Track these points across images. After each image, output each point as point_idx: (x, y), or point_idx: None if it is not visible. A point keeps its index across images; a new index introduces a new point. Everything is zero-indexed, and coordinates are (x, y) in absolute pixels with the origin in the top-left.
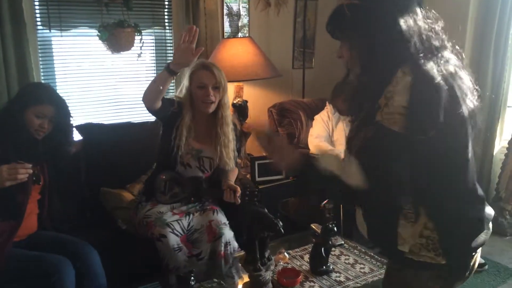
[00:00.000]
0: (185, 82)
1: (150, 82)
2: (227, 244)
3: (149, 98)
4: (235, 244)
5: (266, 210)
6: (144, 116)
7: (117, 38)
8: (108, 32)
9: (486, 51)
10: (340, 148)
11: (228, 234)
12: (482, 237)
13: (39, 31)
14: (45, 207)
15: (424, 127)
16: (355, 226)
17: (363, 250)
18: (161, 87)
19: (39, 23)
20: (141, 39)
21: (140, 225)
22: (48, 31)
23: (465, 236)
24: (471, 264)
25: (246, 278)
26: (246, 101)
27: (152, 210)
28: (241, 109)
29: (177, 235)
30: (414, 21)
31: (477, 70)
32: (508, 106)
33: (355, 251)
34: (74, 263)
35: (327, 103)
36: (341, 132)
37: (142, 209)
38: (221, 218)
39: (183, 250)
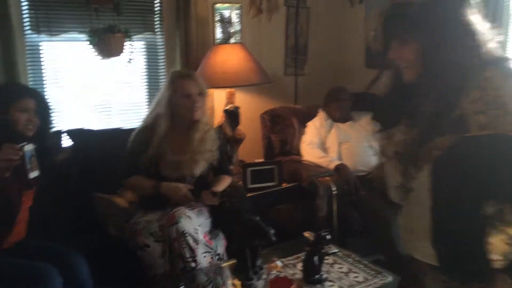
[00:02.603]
0: (164, 93)
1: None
2: (184, 234)
3: None
4: (198, 237)
5: (258, 218)
6: (134, 122)
7: (106, 44)
8: (98, 37)
9: None
10: (332, 154)
11: (188, 226)
12: None
13: (27, 36)
14: (37, 214)
15: None
16: (349, 234)
17: (357, 258)
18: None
19: (27, 28)
20: (131, 44)
21: (130, 232)
22: (36, 35)
23: None
24: None
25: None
26: (238, 107)
27: (141, 218)
28: (233, 115)
29: (160, 242)
30: (477, 18)
31: None
32: None
33: (349, 259)
34: (61, 272)
35: (320, 110)
36: (334, 139)
37: (134, 216)
38: (191, 214)
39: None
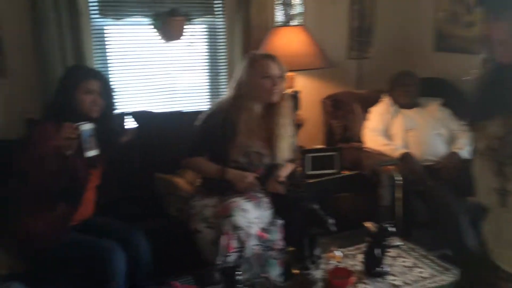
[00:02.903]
0: (242, 74)
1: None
2: (237, 228)
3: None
4: (252, 231)
5: (317, 206)
6: (195, 105)
7: (168, 27)
8: (161, 20)
9: None
10: (397, 142)
11: (241, 220)
12: None
13: (94, 20)
14: (103, 193)
15: None
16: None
17: (423, 252)
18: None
19: (93, 12)
20: (191, 28)
21: (187, 215)
22: (102, 19)
23: None
24: None
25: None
26: (298, 92)
27: (197, 202)
28: (292, 100)
29: (213, 228)
30: None
31: None
32: None
33: (414, 253)
34: (125, 250)
35: (384, 95)
36: (399, 126)
37: (191, 199)
38: (247, 206)
39: None
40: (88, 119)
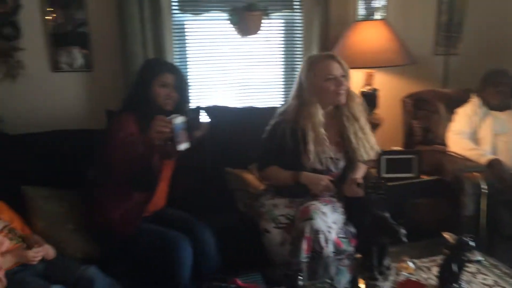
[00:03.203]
0: (303, 80)
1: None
2: (317, 232)
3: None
4: (331, 236)
5: (388, 214)
6: (269, 100)
7: (245, 22)
8: (237, 15)
9: None
10: (485, 147)
11: (321, 224)
12: None
13: (174, 15)
14: (175, 185)
15: None
16: (499, 240)
17: (506, 270)
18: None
19: (174, 7)
20: (268, 22)
21: (256, 212)
22: (182, 15)
23: None
24: None
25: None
26: (376, 90)
27: (268, 201)
28: (370, 98)
29: (282, 228)
30: None
31: None
32: None
33: (496, 270)
34: (191, 242)
35: (473, 95)
36: (488, 129)
37: (262, 197)
38: (326, 210)
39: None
40: (162, 112)
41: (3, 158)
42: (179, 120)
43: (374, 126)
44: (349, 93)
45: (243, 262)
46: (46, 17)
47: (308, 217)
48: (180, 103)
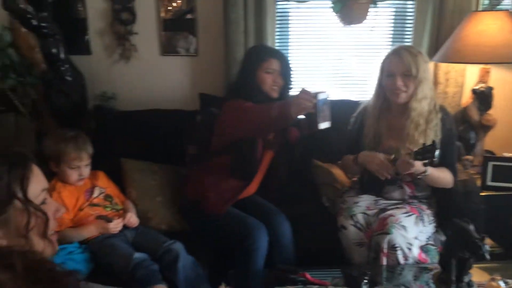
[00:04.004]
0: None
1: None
2: (395, 247)
3: None
4: (411, 254)
5: (472, 226)
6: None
7: (349, 10)
8: (342, 3)
9: None
10: None
11: (400, 239)
12: None
13: (279, 3)
14: (271, 175)
15: None
16: None
17: None
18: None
19: None
20: (376, 11)
21: (338, 208)
22: (286, 2)
23: None
24: None
25: None
26: (492, 88)
27: (350, 198)
28: (483, 97)
29: (360, 229)
30: None
31: None
32: None
33: None
34: (268, 231)
35: None
36: None
37: (346, 193)
38: (407, 222)
39: (365, 246)
40: (267, 100)
41: (108, 132)
42: (323, 95)
43: (486, 128)
44: (413, 95)
45: (322, 257)
46: (159, 3)
47: (385, 231)
48: (284, 90)
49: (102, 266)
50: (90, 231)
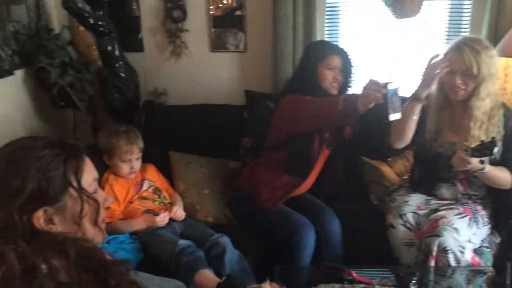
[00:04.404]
0: None
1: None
2: (446, 250)
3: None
4: (463, 257)
5: None
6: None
7: (402, 3)
8: None
9: None
10: None
11: (451, 242)
12: None
13: None
14: (326, 173)
15: None
16: None
17: None
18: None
19: None
20: (429, 3)
21: (387, 207)
22: None
23: None
24: None
25: None
26: None
27: (400, 196)
28: None
29: (409, 229)
30: None
31: None
32: None
33: None
34: (316, 228)
35: None
36: None
37: (395, 192)
38: (460, 224)
39: (415, 247)
40: (326, 96)
41: (158, 126)
42: (393, 86)
43: None
44: (474, 93)
45: (369, 255)
46: (209, 1)
47: (435, 233)
48: (343, 87)
49: (150, 256)
50: (138, 224)
